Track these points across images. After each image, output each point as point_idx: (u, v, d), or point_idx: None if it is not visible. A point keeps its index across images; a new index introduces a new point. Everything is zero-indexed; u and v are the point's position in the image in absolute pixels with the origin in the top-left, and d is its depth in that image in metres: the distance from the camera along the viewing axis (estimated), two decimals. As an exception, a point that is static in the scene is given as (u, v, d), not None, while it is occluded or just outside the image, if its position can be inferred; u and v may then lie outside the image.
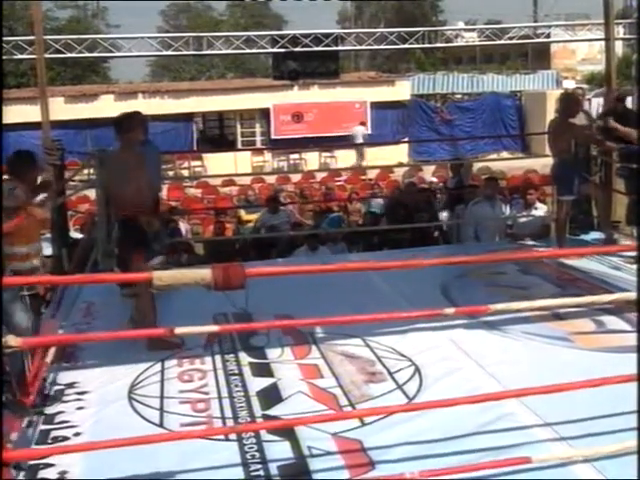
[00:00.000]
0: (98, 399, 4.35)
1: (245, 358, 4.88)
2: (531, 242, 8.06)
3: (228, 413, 4.17)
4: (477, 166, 16.23)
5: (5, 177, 4.72)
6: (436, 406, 3.66)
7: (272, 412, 4.16)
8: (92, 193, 6.69)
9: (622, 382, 3.27)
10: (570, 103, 7.38)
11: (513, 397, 3.85)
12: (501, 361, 4.67)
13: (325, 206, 12.15)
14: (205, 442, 3.68)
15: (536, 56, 34.33)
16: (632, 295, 3.91)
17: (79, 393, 4.46)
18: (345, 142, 22.12)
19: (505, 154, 22.53)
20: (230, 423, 4.07)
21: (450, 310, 3.10)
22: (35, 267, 4.53)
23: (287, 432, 3.80)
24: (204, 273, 2.67)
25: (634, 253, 6.52)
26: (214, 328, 3.38)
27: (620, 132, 7.14)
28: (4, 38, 11.88)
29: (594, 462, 3.38)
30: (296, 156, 22.20)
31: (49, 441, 3.89)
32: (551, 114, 18.34)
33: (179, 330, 2.94)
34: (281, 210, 10.35)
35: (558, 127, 7.22)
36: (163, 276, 2.74)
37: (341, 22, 45.45)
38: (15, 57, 13.94)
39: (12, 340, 2.80)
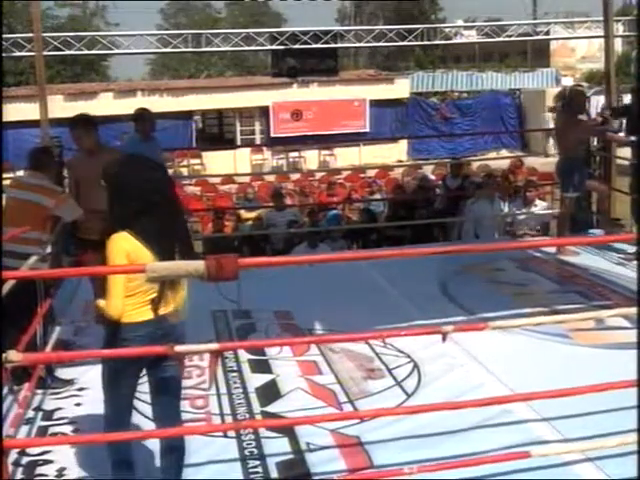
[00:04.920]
0: (97, 396, 4.33)
1: (244, 355, 4.88)
2: (531, 239, 8.06)
3: (227, 409, 4.17)
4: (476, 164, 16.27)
5: (27, 172, 4.81)
6: (435, 409, 3.64)
7: (271, 409, 4.16)
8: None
9: (626, 387, 3.24)
10: (574, 100, 7.34)
11: (516, 401, 3.83)
12: (500, 357, 4.67)
13: (325, 202, 12.12)
14: (204, 438, 3.69)
15: (535, 54, 34.29)
16: (632, 310, 3.91)
17: (78, 389, 4.46)
18: (344, 140, 22.09)
19: (505, 152, 22.51)
20: (229, 419, 4.07)
21: (449, 327, 3.09)
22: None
23: (285, 428, 3.80)
24: (197, 264, 2.66)
25: (633, 249, 6.53)
26: (215, 346, 3.41)
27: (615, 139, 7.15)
28: (3, 36, 11.83)
29: (595, 460, 3.38)
30: (295, 154, 22.17)
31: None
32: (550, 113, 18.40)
33: (179, 349, 2.93)
34: (287, 209, 10.35)
35: (565, 124, 7.18)
36: (156, 267, 2.73)
37: (340, 20, 45.39)
38: (14, 54, 13.90)
39: (13, 355, 2.80)
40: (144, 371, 3.16)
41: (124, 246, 2.92)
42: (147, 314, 3.01)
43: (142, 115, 6.77)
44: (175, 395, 3.21)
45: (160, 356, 3.03)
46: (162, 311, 3.04)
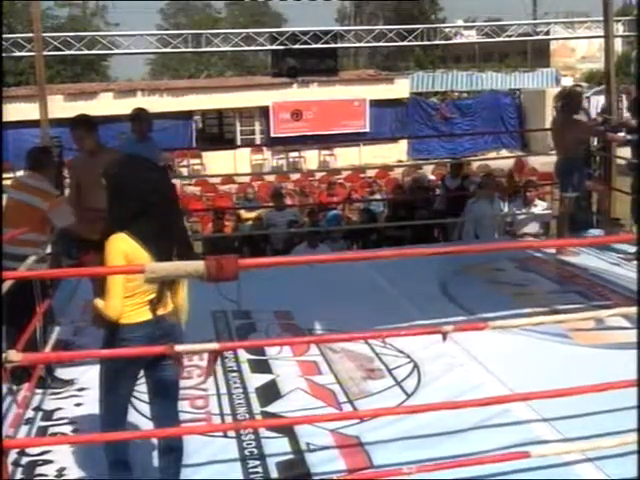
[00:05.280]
0: (97, 396, 4.32)
1: (244, 355, 4.87)
2: (531, 239, 8.06)
3: (227, 410, 4.17)
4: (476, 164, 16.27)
5: (27, 173, 4.80)
6: (435, 409, 3.64)
7: (271, 409, 4.16)
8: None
9: (626, 387, 3.24)
10: (573, 100, 7.37)
11: (516, 401, 3.82)
12: (500, 357, 4.67)
13: (326, 202, 12.13)
14: (204, 438, 3.69)
15: (535, 54, 34.31)
16: (631, 310, 3.91)
17: (78, 390, 4.46)
18: (344, 140, 22.08)
19: (505, 152, 22.50)
20: (229, 420, 4.07)
21: (449, 327, 3.10)
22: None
23: (285, 428, 3.80)
24: (197, 265, 2.66)
25: (633, 249, 6.53)
26: (214, 346, 3.41)
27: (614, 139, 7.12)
28: (3, 36, 11.84)
29: (595, 460, 3.38)
30: (295, 154, 22.17)
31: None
32: (550, 112, 18.40)
33: (179, 348, 2.93)
34: (287, 209, 10.35)
35: (562, 124, 7.19)
36: (156, 268, 2.73)
37: (340, 20, 45.40)
38: (14, 54, 13.91)
39: (13, 355, 2.79)
40: (142, 371, 3.16)
41: (122, 247, 2.92)
42: (146, 315, 3.02)
43: (138, 115, 6.78)
44: (173, 395, 3.21)
45: (159, 356, 3.03)
46: (161, 311, 3.04)
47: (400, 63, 36.51)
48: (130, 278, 2.94)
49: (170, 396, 3.19)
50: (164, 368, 3.09)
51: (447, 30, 19.31)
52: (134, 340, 2.99)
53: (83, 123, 5.36)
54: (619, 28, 15.91)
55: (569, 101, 7.34)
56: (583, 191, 7.45)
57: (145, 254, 2.92)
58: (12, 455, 3.49)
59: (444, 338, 3.09)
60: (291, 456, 3.61)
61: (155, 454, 3.27)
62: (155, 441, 3.32)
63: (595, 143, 8.14)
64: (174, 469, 3.18)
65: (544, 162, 14.28)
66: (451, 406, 3.57)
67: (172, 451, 3.16)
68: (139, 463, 3.35)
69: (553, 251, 7.03)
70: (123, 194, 2.97)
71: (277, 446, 3.68)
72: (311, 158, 22.14)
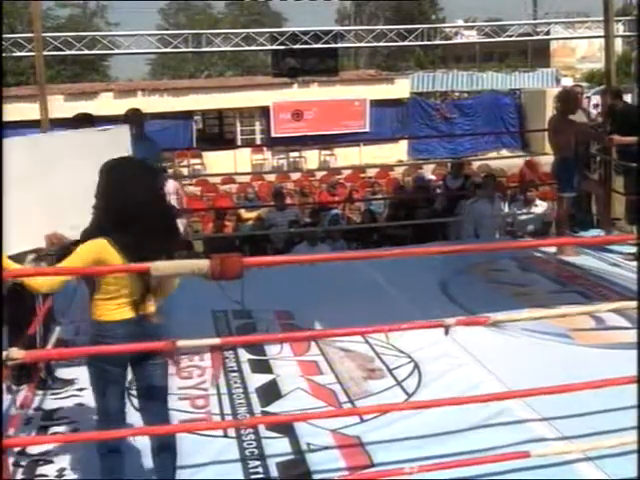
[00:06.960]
0: (97, 396, 4.33)
1: (244, 355, 4.87)
2: (531, 239, 8.06)
3: (227, 409, 4.17)
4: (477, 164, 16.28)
5: None
6: (436, 405, 3.65)
7: (271, 409, 4.16)
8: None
9: (624, 384, 3.24)
10: (569, 100, 7.39)
11: (515, 398, 3.83)
12: (500, 357, 4.67)
13: (325, 202, 12.13)
14: (204, 438, 3.69)
15: (536, 54, 34.30)
16: (632, 304, 3.91)
17: (78, 390, 4.45)
18: (344, 140, 22.08)
19: (505, 152, 22.51)
20: (229, 419, 4.07)
21: (451, 320, 3.10)
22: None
23: (286, 428, 3.80)
24: (201, 263, 2.66)
25: (633, 250, 6.53)
26: (216, 341, 3.41)
27: (616, 141, 7.09)
28: (3, 36, 11.85)
29: (595, 459, 3.38)
30: (296, 154, 22.18)
31: (48, 437, 3.89)
32: (550, 112, 18.41)
33: (181, 343, 2.92)
34: (288, 209, 10.36)
35: (558, 124, 7.21)
36: (160, 266, 2.73)
37: (340, 20, 45.38)
38: (14, 54, 13.93)
39: (15, 353, 2.79)
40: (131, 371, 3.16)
41: (91, 257, 2.90)
42: (127, 313, 3.01)
43: (129, 116, 6.78)
44: (162, 395, 3.19)
45: (145, 356, 3.02)
46: (142, 311, 3.03)
47: (400, 63, 36.52)
48: (110, 282, 2.94)
49: (158, 396, 3.16)
50: (151, 367, 3.08)
51: (447, 30, 19.30)
52: (114, 338, 2.97)
53: (86, 120, 5.35)
54: (619, 28, 15.91)
55: (565, 101, 7.35)
56: (581, 191, 7.45)
57: (122, 262, 2.89)
58: (12, 455, 3.50)
59: (446, 332, 3.08)
60: (292, 456, 3.61)
61: (149, 454, 3.26)
62: (148, 441, 3.30)
63: (596, 144, 8.13)
64: (170, 468, 3.17)
65: (545, 162, 14.28)
66: (451, 402, 3.57)
67: (165, 450, 3.14)
68: (134, 463, 3.34)
69: (554, 251, 7.03)
70: (110, 199, 2.94)
71: (278, 446, 3.68)
72: (311, 158, 22.15)
